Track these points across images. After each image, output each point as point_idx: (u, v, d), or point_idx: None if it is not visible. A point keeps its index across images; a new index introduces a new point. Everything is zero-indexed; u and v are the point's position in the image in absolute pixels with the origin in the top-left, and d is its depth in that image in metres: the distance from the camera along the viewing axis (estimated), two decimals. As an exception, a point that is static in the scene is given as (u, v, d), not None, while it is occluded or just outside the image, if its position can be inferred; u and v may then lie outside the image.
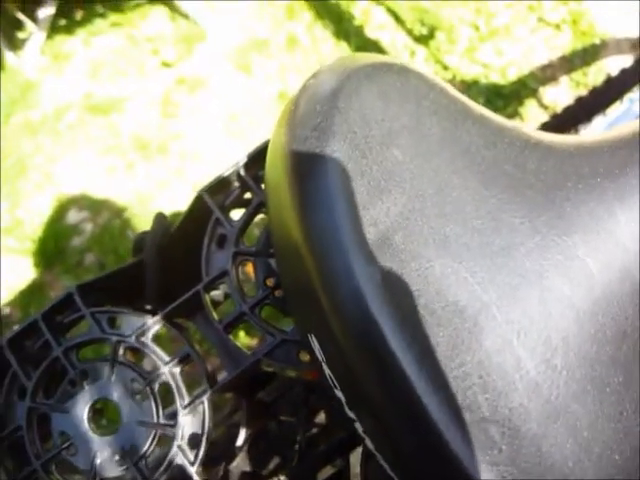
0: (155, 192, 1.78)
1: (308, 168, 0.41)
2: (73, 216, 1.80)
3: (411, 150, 0.43)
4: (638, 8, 1.80)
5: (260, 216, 0.55)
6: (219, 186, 0.55)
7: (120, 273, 0.60)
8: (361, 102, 0.43)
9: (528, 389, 0.40)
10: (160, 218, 0.62)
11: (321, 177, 0.40)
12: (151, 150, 1.85)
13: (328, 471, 0.65)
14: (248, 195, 0.57)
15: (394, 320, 0.38)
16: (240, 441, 0.61)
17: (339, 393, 0.42)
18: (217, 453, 0.61)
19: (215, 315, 0.54)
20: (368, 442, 0.42)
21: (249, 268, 0.55)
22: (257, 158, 0.55)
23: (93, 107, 1.95)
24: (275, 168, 0.44)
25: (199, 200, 0.55)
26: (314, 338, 0.43)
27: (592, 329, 0.43)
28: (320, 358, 0.43)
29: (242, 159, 0.55)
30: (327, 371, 0.42)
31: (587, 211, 0.45)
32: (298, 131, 0.43)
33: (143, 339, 0.54)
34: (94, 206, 1.80)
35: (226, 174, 0.55)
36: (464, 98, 0.50)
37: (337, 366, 0.42)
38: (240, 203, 0.57)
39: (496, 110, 1.87)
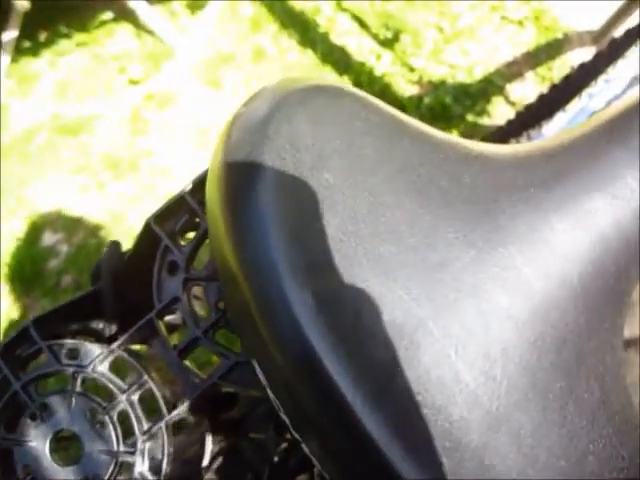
0: (127, 209, 1.78)
1: (239, 197, 0.42)
2: (48, 238, 1.80)
3: (343, 172, 0.44)
4: (598, 1, 1.82)
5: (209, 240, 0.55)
6: (167, 212, 0.56)
7: (77, 303, 0.60)
8: (291, 128, 0.44)
9: (468, 402, 0.41)
10: (114, 246, 0.63)
11: (252, 205, 0.41)
12: (122, 168, 1.85)
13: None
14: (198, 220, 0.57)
15: (330, 343, 0.38)
16: (206, 461, 0.61)
17: (283, 416, 0.43)
18: (183, 475, 0.62)
19: (170, 341, 0.54)
20: (315, 463, 0.43)
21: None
22: (202, 183, 0.55)
23: (62, 128, 1.95)
24: (211, 196, 0.45)
25: (148, 228, 0.56)
26: (256, 363, 0.43)
27: (532, 338, 0.44)
28: (263, 382, 0.43)
29: (188, 185, 0.55)
30: (271, 395, 0.43)
31: (522, 222, 0.45)
32: (229, 159, 0.43)
33: (100, 368, 0.55)
34: (68, 227, 1.80)
35: (173, 200, 0.56)
36: (401, 115, 0.50)
37: (278, 390, 0.42)
38: (191, 228, 0.57)
39: (464, 109, 1.89)
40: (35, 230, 1.81)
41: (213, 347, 0.53)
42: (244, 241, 0.41)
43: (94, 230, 1.77)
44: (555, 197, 0.47)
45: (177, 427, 0.57)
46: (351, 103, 0.48)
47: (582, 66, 1.30)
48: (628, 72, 1.17)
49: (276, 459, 0.67)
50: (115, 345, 0.54)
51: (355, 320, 0.40)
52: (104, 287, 0.60)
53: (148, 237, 0.56)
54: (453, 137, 0.51)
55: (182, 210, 0.56)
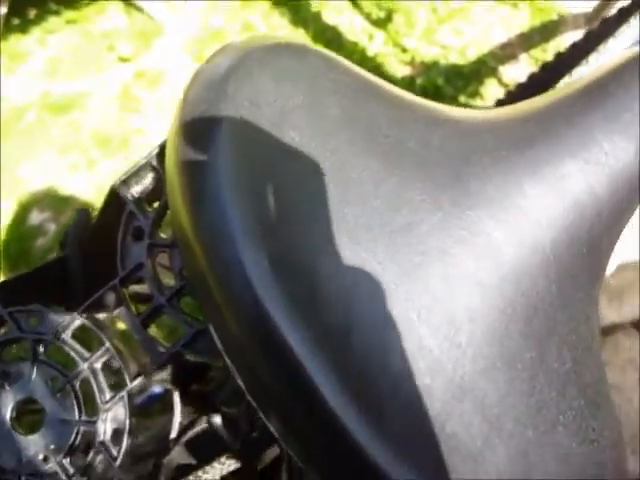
0: (117, 187, 1.76)
1: (194, 156, 0.40)
2: (36, 217, 1.78)
3: (306, 131, 0.42)
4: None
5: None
6: (134, 177, 0.54)
7: (42, 270, 0.59)
8: (252, 85, 0.42)
9: (431, 368, 0.39)
10: (82, 213, 0.61)
11: (206, 164, 0.40)
12: (112, 145, 1.83)
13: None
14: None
15: (284, 305, 0.37)
16: (174, 433, 0.60)
17: (240, 382, 0.41)
18: (150, 447, 0.61)
19: (134, 309, 0.53)
20: (271, 428, 0.42)
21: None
22: (170, 147, 0.54)
23: (52, 106, 1.92)
24: (168, 156, 0.43)
25: (113, 193, 0.54)
26: (212, 328, 0.42)
27: (500, 305, 0.42)
28: (219, 348, 0.42)
29: (154, 149, 0.54)
30: (227, 360, 0.42)
31: (493, 186, 0.44)
32: (186, 118, 0.42)
33: (63, 336, 0.53)
34: (57, 205, 1.78)
35: (140, 164, 0.54)
36: (371, 77, 0.49)
37: (234, 355, 0.41)
38: (158, 193, 0.56)
39: (456, 90, 1.87)
40: (23, 209, 1.79)
41: (177, 315, 0.51)
42: (198, 202, 0.40)
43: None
44: (527, 161, 0.45)
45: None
46: (317, 62, 0.46)
47: (573, 45, 1.28)
48: (619, 50, 1.16)
49: (248, 433, 0.66)
50: (77, 312, 0.53)
51: (312, 283, 0.38)
52: (70, 254, 0.59)
53: (114, 203, 0.55)
54: (423, 100, 0.49)
55: (148, 175, 0.55)
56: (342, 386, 0.37)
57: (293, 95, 0.43)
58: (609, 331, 1.75)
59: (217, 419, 0.67)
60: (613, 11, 1.24)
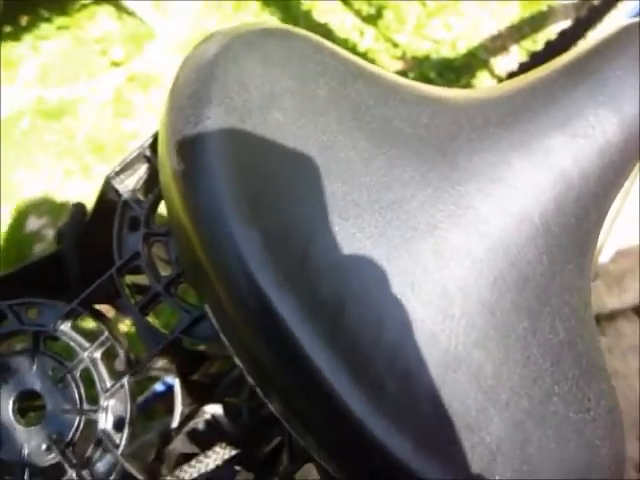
0: (113, 192, 1.77)
1: (183, 137, 0.41)
2: (33, 223, 1.79)
3: (294, 112, 0.43)
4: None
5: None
6: (128, 168, 0.55)
7: (38, 264, 0.60)
8: (240, 69, 0.43)
9: (425, 340, 0.40)
10: (77, 207, 0.62)
11: (196, 145, 0.40)
12: (107, 151, 1.84)
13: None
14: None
15: (277, 281, 0.37)
16: (175, 423, 0.61)
17: (238, 361, 0.42)
18: (152, 437, 0.61)
19: (131, 298, 0.54)
20: (271, 407, 0.42)
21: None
22: (163, 136, 0.54)
23: (46, 112, 1.93)
24: (160, 141, 0.44)
25: (107, 184, 0.55)
26: (208, 308, 0.42)
27: (491, 276, 0.43)
28: (216, 328, 0.42)
29: (148, 139, 0.55)
30: (224, 339, 0.42)
31: (480, 160, 0.45)
32: (176, 101, 0.43)
33: (62, 327, 0.54)
34: (53, 211, 1.79)
35: (133, 155, 0.55)
36: (356, 59, 0.49)
37: (230, 335, 0.42)
38: (153, 183, 0.56)
39: (448, 83, 1.87)
40: (20, 215, 1.80)
41: (174, 302, 0.52)
42: (189, 182, 0.40)
43: (79, 214, 1.76)
44: (514, 136, 0.46)
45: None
46: (304, 46, 0.47)
47: (562, 33, 1.29)
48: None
49: (250, 423, 0.66)
50: (75, 303, 0.53)
51: (304, 258, 0.39)
52: (66, 247, 0.59)
53: (108, 194, 0.55)
54: (410, 81, 0.50)
55: (142, 165, 0.55)
56: (337, 359, 0.38)
57: (281, 78, 0.44)
58: (610, 318, 1.75)
59: (218, 409, 0.68)
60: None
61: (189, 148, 0.40)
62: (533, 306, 0.44)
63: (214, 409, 0.68)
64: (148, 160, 0.55)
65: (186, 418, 0.64)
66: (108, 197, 0.56)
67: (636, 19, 0.54)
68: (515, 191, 0.44)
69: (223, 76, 0.42)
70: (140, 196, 0.55)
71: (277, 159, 0.41)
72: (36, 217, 1.79)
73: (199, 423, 0.66)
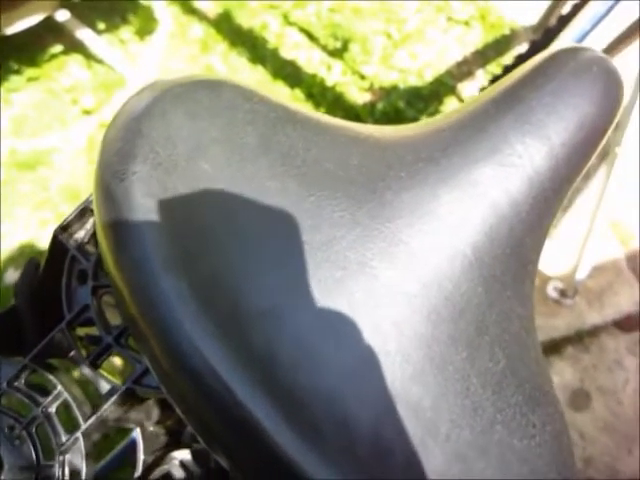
0: (88, 240, 1.77)
1: (111, 193, 0.42)
2: (11, 276, 1.79)
3: (222, 161, 0.44)
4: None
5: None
6: (74, 222, 0.56)
7: (-6, 321, 0.60)
8: (167, 123, 0.44)
9: (361, 379, 0.40)
10: (31, 262, 0.62)
11: (123, 201, 0.41)
12: (82, 198, 1.84)
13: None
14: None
15: (208, 331, 0.38)
16: (138, 472, 0.61)
17: (178, 411, 0.42)
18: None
19: (83, 350, 0.54)
20: (215, 457, 0.42)
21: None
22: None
23: (20, 163, 1.94)
24: (93, 197, 0.45)
25: (55, 239, 0.55)
26: (146, 360, 0.43)
27: (425, 311, 0.43)
28: (156, 380, 0.43)
29: (92, 193, 0.55)
30: (164, 390, 0.42)
31: (409, 197, 0.45)
32: (105, 158, 0.43)
33: (16, 384, 0.54)
34: (32, 262, 1.78)
35: (79, 208, 0.56)
36: (289, 104, 0.50)
37: (168, 386, 0.42)
38: (100, 236, 0.57)
39: (417, 112, 1.90)
40: (-2, 268, 1.80)
41: (125, 353, 0.52)
42: (118, 239, 0.41)
43: (57, 263, 1.76)
44: (442, 170, 0.47)
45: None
46: (233, 95, 0.48)
47: (519, 57, 1.31)
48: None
49: (217, 468, 0.66)
50: (27, 359, 0.53)
51: (235, 306, 0.39)
52: (20, 303, 0.59)
53: (57, 249, 0.56)
54: (343, 121, 0.51)
55: (90, 218, 0.56)
56: (272, 405, 0.38)
57: (208, 129, 0.45)
58: (593, 334, 1.76)
59: (187, 454, 0.68)
60: (553, 21, 1.28)
61: (116, 204, 0.41)
62: (471, 336, 0.45)
63: (182, 455, 0.68)
64: (92, 212, 0.56)
65: (152, 465, 0.64)
66: (57, 251, 0.56)
67: (565, 45, 0.55)
68: (445, 224, 0.45)
69: (149, 131, 0.43)
70: (89, 248, 0.56)
71: (204, 209, 0.42)
72: (14, 269, 1.79)
73: (168, 469, 0.66)
